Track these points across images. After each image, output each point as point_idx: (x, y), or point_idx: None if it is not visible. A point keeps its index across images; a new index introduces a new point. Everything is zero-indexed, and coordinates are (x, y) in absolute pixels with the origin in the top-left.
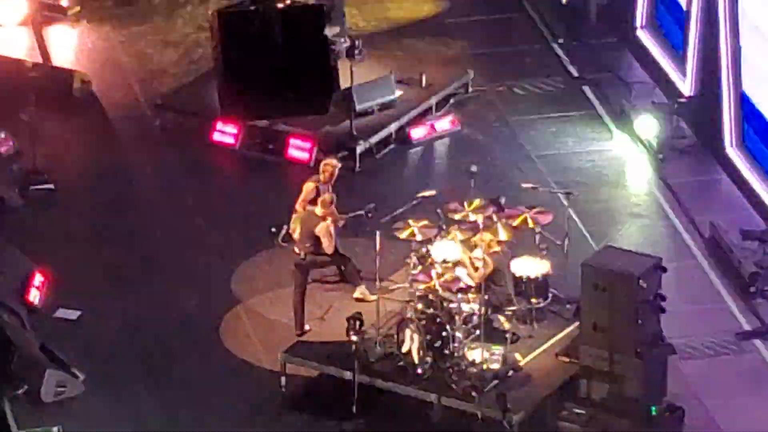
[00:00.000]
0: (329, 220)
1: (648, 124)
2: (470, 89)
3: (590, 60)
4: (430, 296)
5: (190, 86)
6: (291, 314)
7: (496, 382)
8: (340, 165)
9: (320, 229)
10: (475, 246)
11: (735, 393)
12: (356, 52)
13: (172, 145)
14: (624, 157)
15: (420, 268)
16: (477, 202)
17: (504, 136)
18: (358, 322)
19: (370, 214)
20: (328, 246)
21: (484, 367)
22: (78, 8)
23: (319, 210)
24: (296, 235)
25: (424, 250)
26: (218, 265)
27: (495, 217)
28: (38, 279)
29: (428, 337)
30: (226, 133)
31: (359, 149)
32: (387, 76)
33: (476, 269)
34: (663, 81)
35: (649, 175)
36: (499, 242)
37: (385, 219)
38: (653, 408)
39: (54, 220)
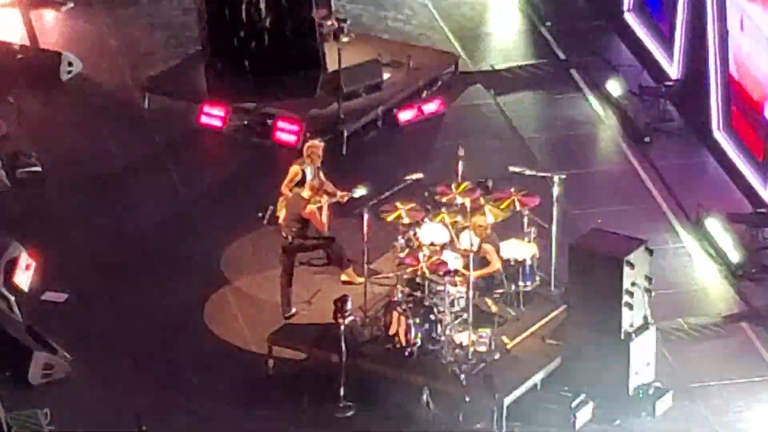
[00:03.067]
0: (323, 199)
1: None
2: (458, 72)
3: (577, 43)
4: (418, 279)
5: (178, 69)
6: (278, 297)
7: (483, 364)
8: (323, 145)
9: (308, 212)
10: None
11: (722, 376)
12: (343, 34)
13: (159, 127)
14: (611, 140)
15: (407, 251)
16: (464, 185)
17: (491, 118)
18: (345, 305)
19: (359, 194)
20: (320, 226)
21: (472, 349)
22: None
23: (306, 193)
24: (282, 218)
25: (411, 233)
26: (206, 247)
27: (482, 200)
28: (25, 262)
29: (415, 320)
30: (213, 115)
31: (346, 132)
32: (374, 59)
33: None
34: (650, 64)
35: (636, 157)
36: (487, 226)
37: (373, 202)
38: (641, 391)
39: (41, 203)
